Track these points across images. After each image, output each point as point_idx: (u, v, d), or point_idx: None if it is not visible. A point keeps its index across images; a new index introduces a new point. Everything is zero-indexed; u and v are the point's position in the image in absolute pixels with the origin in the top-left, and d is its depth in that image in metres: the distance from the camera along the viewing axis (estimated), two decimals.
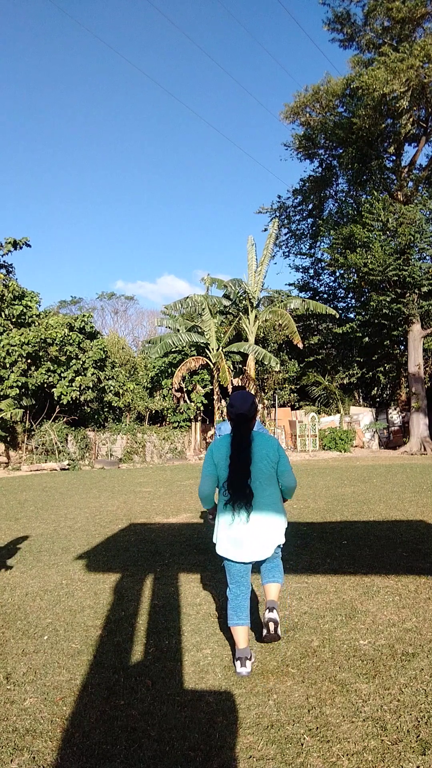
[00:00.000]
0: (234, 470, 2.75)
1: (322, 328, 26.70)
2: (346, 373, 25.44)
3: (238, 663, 2.74)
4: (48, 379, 17.82)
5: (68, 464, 17.16)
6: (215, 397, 22.47)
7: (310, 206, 27.20)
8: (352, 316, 26.03)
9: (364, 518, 6.82)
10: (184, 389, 22.55)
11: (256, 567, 3.07)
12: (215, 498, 3.06)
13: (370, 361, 25.18)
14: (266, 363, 21.49)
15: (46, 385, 18.16)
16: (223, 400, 23.53)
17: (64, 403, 18.03)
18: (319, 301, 25.66)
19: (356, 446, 23.62)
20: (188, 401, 22.52)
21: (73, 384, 17.93)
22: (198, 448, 22.26)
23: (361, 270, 21.11)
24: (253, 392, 22.16)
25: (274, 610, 2.91)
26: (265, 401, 24.89)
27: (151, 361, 25.36)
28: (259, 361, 22.24)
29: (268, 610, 2.93)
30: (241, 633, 2.80)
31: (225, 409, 19.48)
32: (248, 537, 2.79)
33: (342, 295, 28.10)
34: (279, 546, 2.99)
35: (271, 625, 2.85)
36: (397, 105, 19.29)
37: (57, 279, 78.87)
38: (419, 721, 2.24)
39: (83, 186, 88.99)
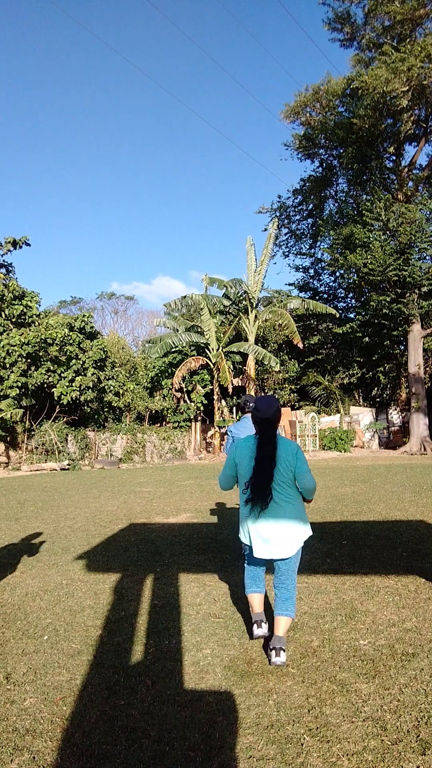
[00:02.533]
0: (258, 473, 2.82)
1: (322, 328, 26.70)
2: (346, 373, 25.44)
3: (254, 626, 2.99)
4: (48, 379, 17.82)
5: (68, 464, 17.16)
6: (215, 397, 22.46)
7: (310, 206, 27.19)
8: (352, 316, 26.03)
9: (364, 518, 6.82)
10: (184, 389, 22.56)
11: (271, 569, 3.14)
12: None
13: (370, 361, 25.17)
14: (266, 363, 21.50)
15: (46, 385, 18.16)
16: (223, 400, 23.53)
17: (64, 403, 18.03)
18: (319, 301, 25.66)
19: (356, 446, 23.61)
20: (188, 401, 22.52)
21: (73, 384, 17.94)
22: (198, 448, 22.26)
23: (361, 270, 21.10)
24: (253, 393, 22.17)
25: (282, 653, 2.78)
26: (240, 402, 24.87)
27: (151, 361, 25.37)
28: (259, 361, 22.25)
29: (274, 652, 2.78)
30: (257, 599, 3.07)
31: (224, 409, 19.27)
32: (269, 536, 2.86)
33: (342, 295, 28.13)
34: (299, 550, 2.97)
35: (278, 665, 2.78)
36: (397, 104, 19.28)
37: (57, 279, 79.02)
38: (419, 721, 2.24)
39: (83, 186, 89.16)
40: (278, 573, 2.99)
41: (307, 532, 2.95)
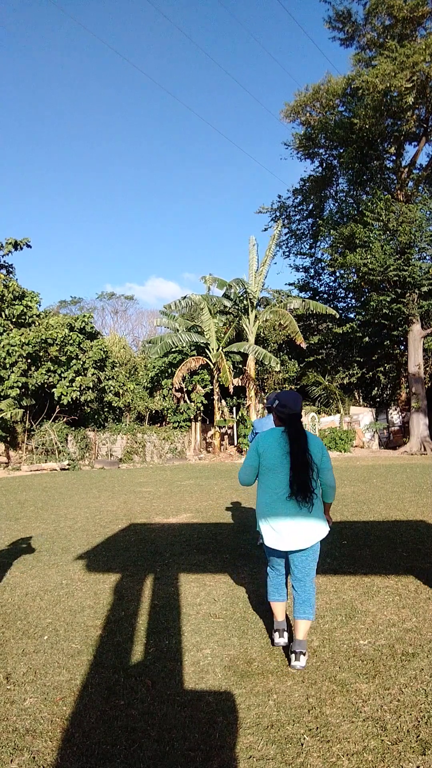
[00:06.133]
0: (296, 467, 2.85)
1: (322, 328, 26.69)
2: (346, 373, 25.42)
3: (276, 634, 3.01)
4: (48, 379, 17.82)
5: (68, 464, 17.16)
6: (215, 397, 22.45)
7: (311, 206, 27.18)
8: (352, 316, 26.01)
9: (364, 518, 6.82)
10: (184, 389, 22.55)
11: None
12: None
13: (370, 361, 25.16)
14: (266, 363, 21.50)
15: (46, 385, 18.17)
16: (223, 400, 23.51)
17: (64, 403, 18.03)
18: (319, 301, 25.64)
19: (356, 446, 23.61)
20: (188, 401, 22.51)
21: (73, 384, 17.94)
22: (198, 448, 22.26)
23: (361, 270, 21.09)
24: (253, 393, 22.16)
25: (302, 657, 2.78)
26: (265, 401, 24.87)
27: (151, 361, 25.36)
28: (259, 361, 22.24)
29: (294, 656, 2.79)
30: (279, 607, 3.09)
31: (225, 409, 19.19)
32: (298, 527, 2.86)
33: (342, 295, 28.10)
34: (317, 546, 2.95)
35: (297, 668, 2.78)
36: (403, 102, 19.24)
37: (57, 279, 79.02)
38: (419, 721, 2.24)
39: (80, 187, 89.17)
40: (295, 570, 2.95)
41: (326, 528, 2.95)
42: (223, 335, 22.56)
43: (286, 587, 3.16)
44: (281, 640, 2.96)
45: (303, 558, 2.91)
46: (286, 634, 2.99)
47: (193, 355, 22.32)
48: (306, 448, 2.89)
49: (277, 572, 3.12)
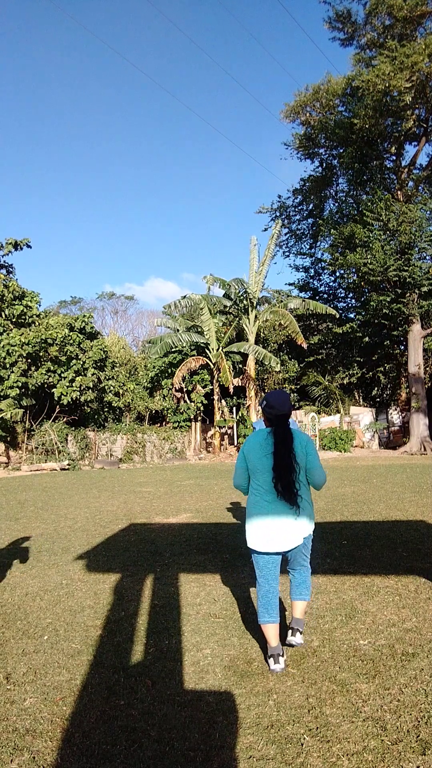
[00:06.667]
0: (280, 467, 2.82)
1: (322, 328, 26.69)
2: (346, 373, 25.41)
3: (271, 660, 2.78)
4: (48, 379, 17.82)
5: (68, 464, 17.16)
6: (215, 397, 22.45)
7: (311, 206, 27.18)
8: (352, 316, 26.00)
9: (364, 518, 6.82)
10: (184, 389, 22.54)
11: (284, 568, 3.16)
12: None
13: (370, 361, 25.15)
14: (266, 363, 21.50)
15: (46, 386, 18.16)
16: (223, 400, 23.51)
17: (64, 403, 18.03)
18: (319, 301, 25.63)
19: (356, 446, 23.60)
20: (188, 401, 22.51)
21: (73, 384, 17.94)
22: (198, 448, 22.26)
23: (361, 270, 21.09)
24: (253, 393, 22.16)
25: (298, 634, 2.92)
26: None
27: (151, 361, 25.36)
28: (259, 361, 22.25)
29: (291, 632, 2.95)
30: (272, 630, 2.85)
31: (225, 409, 19.20)
32: (282, 528, 2.85)
33: (342, 295, 28.08)
34: (309, 537, 2.99)
35: (294, 644, 2.94)
36: (401, 101, 19.23)
37: (57, 279, 78.97)
38: (419, 721, 2.24)
39: (79, 187, 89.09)
40: (289, 562, 3.05)
41: (311, 528, 2.95)
42: (223, 335, 22.55)
43: (278, 605, 2.94)
44: (277, 666, 2.76)
45: (294, 553, 2.97)
46: (282, 659, 2.78)
47: (193, 355, 22.31)
48: (291, 449, 2.85)
49: (269, 587, 2.91)
